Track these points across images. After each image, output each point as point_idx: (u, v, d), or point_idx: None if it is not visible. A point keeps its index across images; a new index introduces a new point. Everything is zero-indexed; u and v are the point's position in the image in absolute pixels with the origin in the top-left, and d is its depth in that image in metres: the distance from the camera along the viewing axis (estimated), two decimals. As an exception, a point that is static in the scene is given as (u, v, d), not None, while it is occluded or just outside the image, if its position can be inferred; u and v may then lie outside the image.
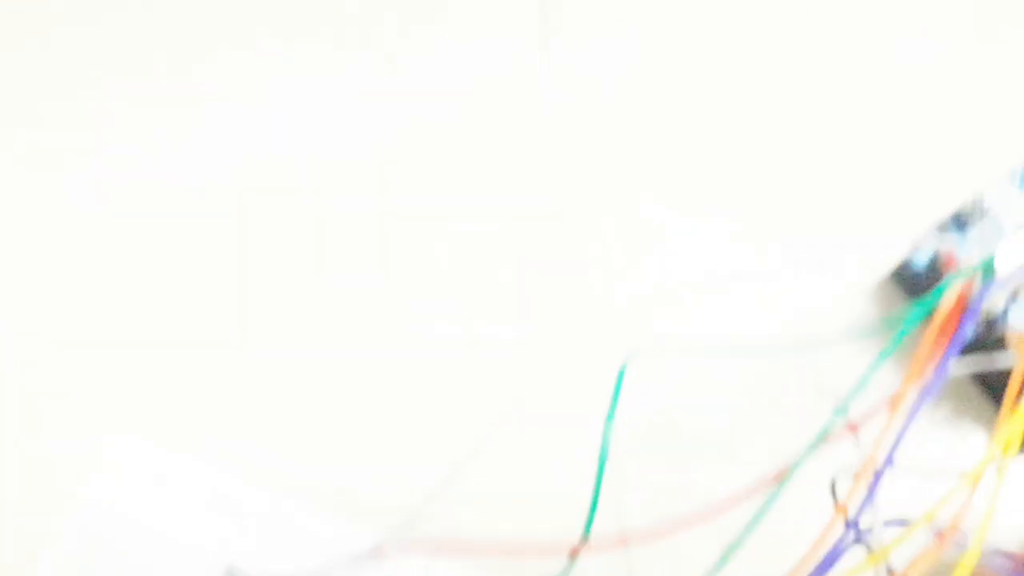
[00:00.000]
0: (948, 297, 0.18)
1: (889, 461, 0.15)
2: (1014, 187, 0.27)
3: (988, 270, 0.20)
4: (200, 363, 0.25)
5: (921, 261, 0.25)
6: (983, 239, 0.25)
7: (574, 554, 0.14)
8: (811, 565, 0.14)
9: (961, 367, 0.21)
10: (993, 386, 0.25)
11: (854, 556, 0.15)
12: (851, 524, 0.14)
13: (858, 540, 0.14)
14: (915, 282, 0.25)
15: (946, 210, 0.26)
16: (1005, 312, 0.24)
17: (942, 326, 0.17)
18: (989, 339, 0.24)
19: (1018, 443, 0.16)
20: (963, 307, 0.18)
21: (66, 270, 0.26)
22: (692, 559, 0.15)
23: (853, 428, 0.15)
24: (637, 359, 0.15)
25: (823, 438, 0.14)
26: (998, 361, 0.20)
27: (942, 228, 0.25)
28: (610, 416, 0.14)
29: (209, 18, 0.29)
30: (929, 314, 0.18)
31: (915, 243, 0.25)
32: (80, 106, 0.28)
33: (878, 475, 0.14)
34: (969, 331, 0.17)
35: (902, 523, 0.15)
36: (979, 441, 0.23)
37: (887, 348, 0.15)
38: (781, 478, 0.15)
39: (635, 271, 0.26)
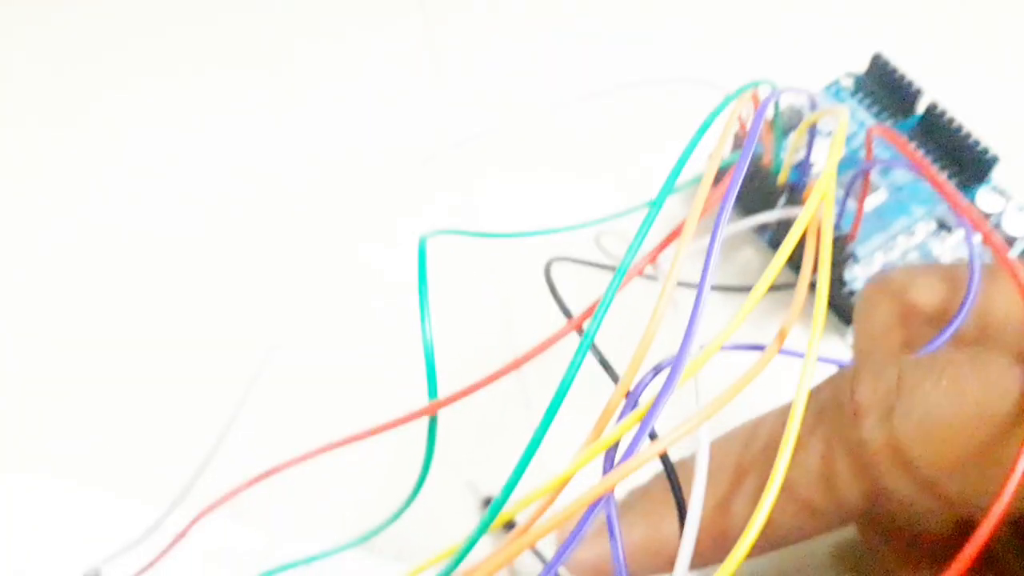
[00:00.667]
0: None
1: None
2: (829, 98, 0.29)
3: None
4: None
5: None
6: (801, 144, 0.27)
7: (432, 411, 0.15)
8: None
9: (746, 222, 0.23)
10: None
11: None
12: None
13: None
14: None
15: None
16: (801, 173, 0.26)
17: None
18: (790, 200, 0.26)
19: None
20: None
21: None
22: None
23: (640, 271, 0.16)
24: (433, 236, 0.16)
25: (617, 283, 0.15)
26: (783, 215, 0.22)
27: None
28: (422, 285, 0.15)
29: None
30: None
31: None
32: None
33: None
34: (744, 161, 0.18)
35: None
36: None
37: (656, 199, 0.16)
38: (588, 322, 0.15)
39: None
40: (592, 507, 0.13)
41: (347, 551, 0.16)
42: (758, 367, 0.16)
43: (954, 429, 0.14)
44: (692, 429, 0.14)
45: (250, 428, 0.18)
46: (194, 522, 0.17)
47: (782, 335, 0.17)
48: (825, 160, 0.26)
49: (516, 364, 0.15)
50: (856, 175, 0.24)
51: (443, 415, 0.15)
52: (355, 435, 0.15)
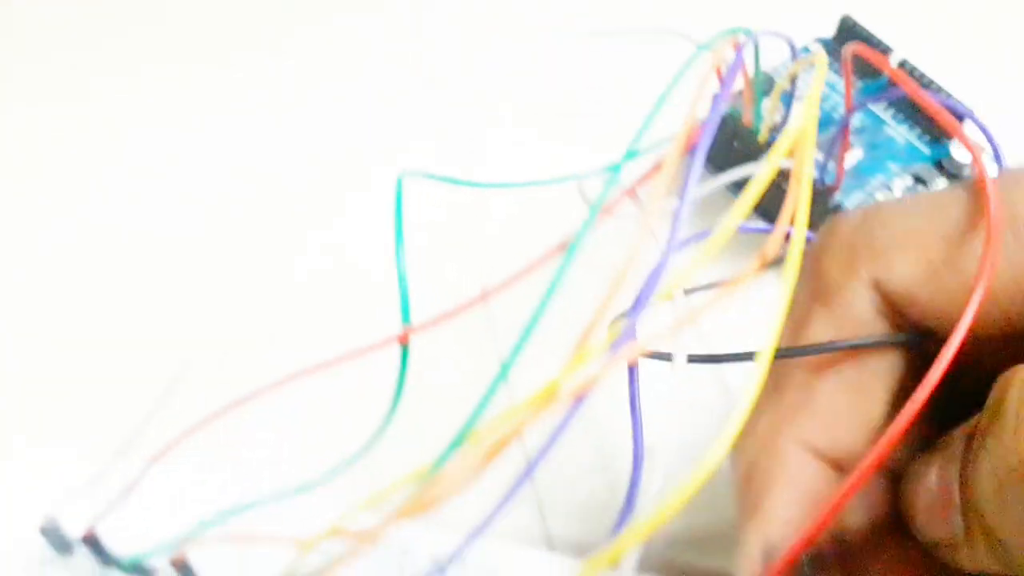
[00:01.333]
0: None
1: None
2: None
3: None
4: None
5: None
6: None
7: (403, 340, 0.14)
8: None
9: (721, 178, 0.22)
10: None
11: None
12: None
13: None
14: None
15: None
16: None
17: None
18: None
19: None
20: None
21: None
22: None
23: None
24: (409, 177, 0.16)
25: (596, 211, 0.15)
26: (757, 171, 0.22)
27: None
28: (398, 224, 0.15)
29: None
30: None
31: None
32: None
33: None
34: (718, 113, 0.17)
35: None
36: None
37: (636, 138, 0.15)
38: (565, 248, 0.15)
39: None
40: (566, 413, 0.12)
41: (320, 486, 0.15)
42: (736, 283, 0.15)
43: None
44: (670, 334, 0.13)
45: (211, 368, 0.17)
46: (160, 457, 0.16)
47: (762, 261, 0.17)
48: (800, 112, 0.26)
49: (485, 295, 0.15)
50: (839, 127, 0.24)
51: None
52: (325, 362, 0.14)
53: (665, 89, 0.18)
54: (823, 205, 0.25)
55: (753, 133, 0.25)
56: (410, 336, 0.14)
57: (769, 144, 0.25)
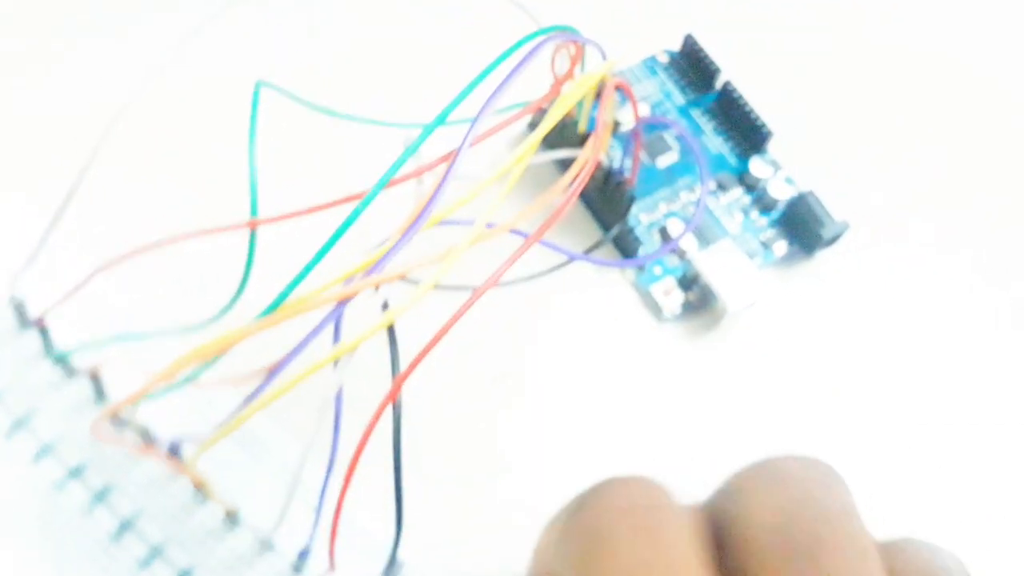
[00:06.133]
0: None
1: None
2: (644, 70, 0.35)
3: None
4: None
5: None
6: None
7: (253, 227, 0.19)
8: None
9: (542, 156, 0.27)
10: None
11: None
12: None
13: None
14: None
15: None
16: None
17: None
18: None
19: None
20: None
21: None
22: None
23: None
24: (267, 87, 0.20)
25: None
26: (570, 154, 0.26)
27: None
28: (252, 124, 0.19)
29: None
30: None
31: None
32: None
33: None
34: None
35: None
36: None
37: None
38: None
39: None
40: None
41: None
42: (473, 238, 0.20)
43: None
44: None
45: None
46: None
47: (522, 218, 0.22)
48: (630, 117, 0.32)
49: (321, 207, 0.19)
50: (649, 130, 0.30)
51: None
52: (181, 235, 0.19)
53: (490, 64, 0.22)
54: (620, 194, 0.31)
55: (575, 123, 0.30)
56: (258, 225, 0.19)
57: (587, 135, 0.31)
